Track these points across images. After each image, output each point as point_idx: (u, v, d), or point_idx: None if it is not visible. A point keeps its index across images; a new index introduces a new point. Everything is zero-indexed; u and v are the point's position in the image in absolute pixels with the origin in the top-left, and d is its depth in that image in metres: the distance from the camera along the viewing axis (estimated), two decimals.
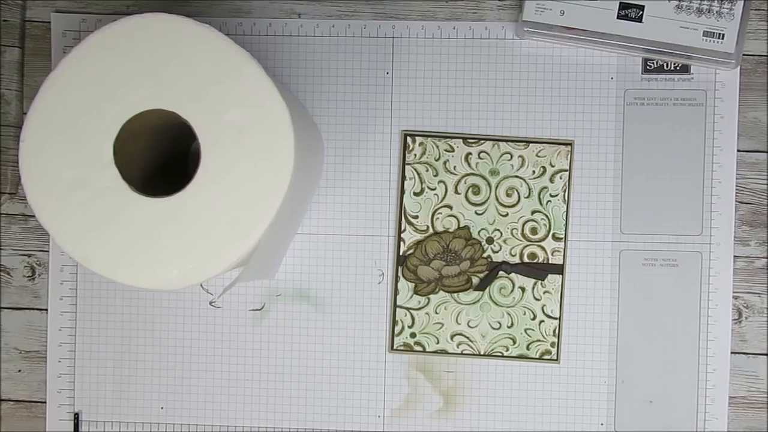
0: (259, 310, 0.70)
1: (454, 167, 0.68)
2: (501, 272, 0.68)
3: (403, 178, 0.69)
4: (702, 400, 0.68)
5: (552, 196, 0.68)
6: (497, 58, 0.68)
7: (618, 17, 0.65)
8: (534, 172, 0.68)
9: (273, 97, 0.54)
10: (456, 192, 0.68)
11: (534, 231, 0.68)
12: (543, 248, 0.68)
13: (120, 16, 0.57)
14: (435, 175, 0.68)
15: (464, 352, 0.69)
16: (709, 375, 0.68)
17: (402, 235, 0.69)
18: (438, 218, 0.68)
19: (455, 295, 0.69)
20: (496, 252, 0.68)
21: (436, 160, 0.68)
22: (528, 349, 0.68)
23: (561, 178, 0.68)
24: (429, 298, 0.69)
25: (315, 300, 0.69)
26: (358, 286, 0.69)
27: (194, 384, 0.70)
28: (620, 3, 0.65)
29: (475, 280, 0.68)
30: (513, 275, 0.68)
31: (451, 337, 0.69)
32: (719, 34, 0.65)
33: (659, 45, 0.65)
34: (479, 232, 0.68)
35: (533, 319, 0.68)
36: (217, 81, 0.54)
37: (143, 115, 0.55)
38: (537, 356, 0.68)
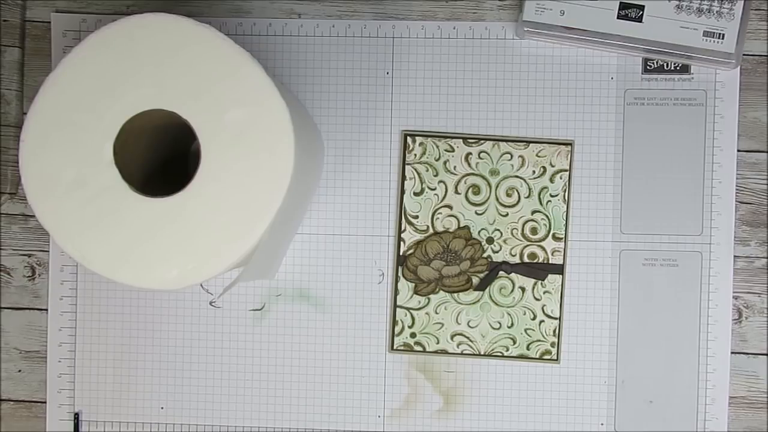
0: (259, 310, 0.70)
1: (454, 167, 0.68)
2: (501, 272, 0.68)
3: (403, 178, 0.69)
4: (702, 400, 0.68)
5: (552, 196, 0.68)
6: (497, 58, 0.68)
7: (618, 17, 0.65)
8: (534, 172, 0.68)
9: (273, 96, 0.54)
10: (456, 192, 0.68)
11: (534, 231, 0.68)
12: (543, 248, 0.68)
13: (120, 16, 0.57)
14: (435, 175, 0.68)
15: (464, 352, 0.69)
16: (709, 375, 0.68)
17: (402, 235, 0.69)
18: (438, 218, 0.68)
19: (455, 295, 0.69)
20: (496, 252, 0.68)
21: (436, 160, 0.68)
22: (528, 349, 0.68)
23: (561, 178, 0.68)
24: (429, 298, 0.69)
25: (315, 300, 0.69)
26: (358, 286, 0.69)
27: (194, 384, 0.70)
28: (620, 3, 0.65)
29: (475, 280, 0.68)
30: (513, 275, 0.68)
31: (451, 337, 0.69)
32: (719, 34, 0.65)
33: (659, 45, 0.65)
34: (479, 232, 0.68)
35: (533, 319, 0.68)
36: (217, 81, 0.54)
37: (143, 115, 0.55)
38: (537, 356, 0.68)
